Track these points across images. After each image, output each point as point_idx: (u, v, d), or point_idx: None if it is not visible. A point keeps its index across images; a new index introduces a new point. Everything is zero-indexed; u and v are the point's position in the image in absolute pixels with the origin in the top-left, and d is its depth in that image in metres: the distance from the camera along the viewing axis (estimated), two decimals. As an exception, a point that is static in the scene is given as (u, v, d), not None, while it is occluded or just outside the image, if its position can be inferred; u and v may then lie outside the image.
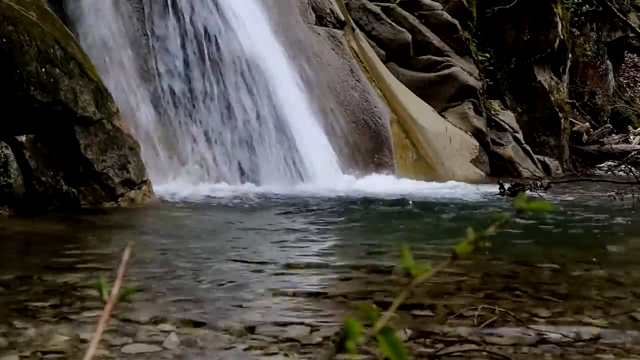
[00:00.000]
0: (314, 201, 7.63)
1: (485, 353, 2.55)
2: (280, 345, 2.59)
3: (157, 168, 8.04)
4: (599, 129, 16.49)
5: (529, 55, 14.22)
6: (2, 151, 6.09)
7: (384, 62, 12.73)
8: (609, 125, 17.03)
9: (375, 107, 11.00)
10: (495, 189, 8.95)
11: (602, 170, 15.22)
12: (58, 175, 6.42)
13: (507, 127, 13.95)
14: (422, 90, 12.87)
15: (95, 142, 6.64)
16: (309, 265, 4.17)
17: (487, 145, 13.31)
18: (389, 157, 10.78)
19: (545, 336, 2.75)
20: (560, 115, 14.80)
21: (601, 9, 15.95)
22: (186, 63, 8.93)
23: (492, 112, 13.93)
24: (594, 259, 4.59)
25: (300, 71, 10.27)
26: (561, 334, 2.78)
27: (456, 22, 13.33)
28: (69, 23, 7.85)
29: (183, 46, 8.96)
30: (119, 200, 6.66)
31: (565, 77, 15.62)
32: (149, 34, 8.78)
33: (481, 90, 13.48)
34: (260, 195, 7.89)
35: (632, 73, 20.60)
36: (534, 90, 14.48)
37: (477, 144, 13.07)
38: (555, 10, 14.34)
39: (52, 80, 6.41)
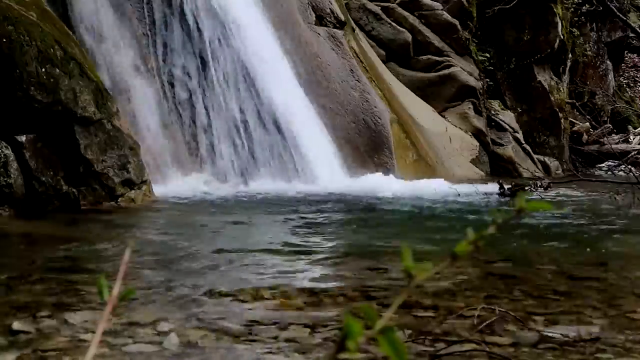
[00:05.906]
0: (313, 201, 7.64)
1: (485, 353, 2.55)
2: (280, 344, 2.59)
3: (157, 168, 8.04)
4: (599, 129, 16.48)
5: (529, 55, 14.21)
6: (2, 151, 6.09)
7: (384, 62, 12.72)
8: (609, 125, 17.02)
9: (375, 107, 11.00)
10: (495, 189, 8.95)
11: (602, 170, 15.20)
12: (58, 175, 6.42)
13: (507, 127, 13.94)
14: (422, 90, 12.86)
15: (95, 142, 6.64)
16: (309, 265, 4.18)
17: (487, 145, 13.31)
18: (389, 157, 10.77)
19: (545, 336, 2.75)
20: (560, 115, 14.80)
21: (601, 9, 15.93)
22: (186, 62, 8.94)
23: (492, 112, 13.92)
24: (594, 259, 4.59)
25: (300, 71, 10.26)
26: (561, 333, 2.78)
27: (456, 22, 13.32)
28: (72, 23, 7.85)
29: (183, 46, 8.97)
30: (119, 200, 6.66)
31: (565, 77, 15.62)
32: (149, 34, 8.78)
33: (481, 90, 13.47)
34: (260, 194, 7.90)
35: (632, 73, 20.59)
36: (534, 90, 14.47)
37: (477, 144, 13.06)
38: (555, 10, 14.34)
39: (52, 80, 6.40)
